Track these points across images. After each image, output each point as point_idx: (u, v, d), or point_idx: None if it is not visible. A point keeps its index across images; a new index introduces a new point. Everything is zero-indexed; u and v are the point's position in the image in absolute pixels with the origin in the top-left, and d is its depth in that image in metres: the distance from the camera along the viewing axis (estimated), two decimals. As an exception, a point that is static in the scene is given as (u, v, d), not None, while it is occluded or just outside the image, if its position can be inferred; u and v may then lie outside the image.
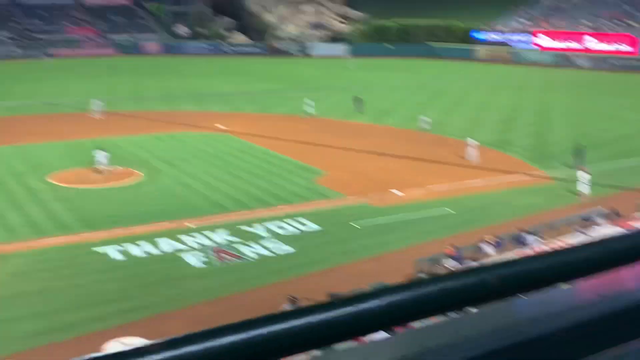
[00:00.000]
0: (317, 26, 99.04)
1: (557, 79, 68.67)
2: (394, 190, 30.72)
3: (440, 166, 34.49)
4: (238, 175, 33.75)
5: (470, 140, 37.20)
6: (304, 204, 29.25)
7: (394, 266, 21.25)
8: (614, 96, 58.18)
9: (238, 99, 56.15)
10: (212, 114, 51.02)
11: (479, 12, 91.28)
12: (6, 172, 34.19)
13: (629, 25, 78.76)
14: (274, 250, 23.88)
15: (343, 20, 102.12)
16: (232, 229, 25.96)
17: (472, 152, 36.85)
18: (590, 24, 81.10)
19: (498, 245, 21.68)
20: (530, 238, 21.93)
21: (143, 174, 33.85)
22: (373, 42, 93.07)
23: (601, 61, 75.01)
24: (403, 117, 48.95)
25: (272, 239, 24.83)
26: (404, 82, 65.95)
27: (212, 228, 25.95)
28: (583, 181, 29.81)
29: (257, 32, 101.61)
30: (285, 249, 24.05)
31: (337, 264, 22.59)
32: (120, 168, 34.08)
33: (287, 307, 15.63)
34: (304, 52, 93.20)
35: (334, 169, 34.50)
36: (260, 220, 26.77)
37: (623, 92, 60.33)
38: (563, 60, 77.85)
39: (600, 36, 78.06)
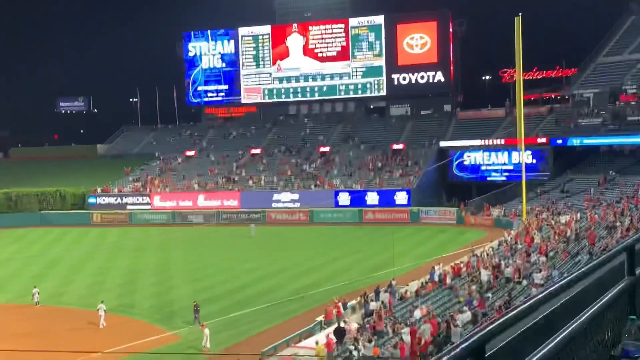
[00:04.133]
0: None
1: (173, 236, 71.18)
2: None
3: (59, 340, 32.43)
4: None
5: (101, 306, 36.17)
6: None
7: None
8: (227, 249, 62.19)
9: None
10: None
11: (93, 178, 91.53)
12: None
13: (233, 180, 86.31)
14: None
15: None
16: None
17: (103, 318, 35.79)
18: (198, 182, 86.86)
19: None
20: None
21: None
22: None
23: (212, 217, 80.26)
24: (16, 292, 45.43)
25: None
26: (14, 254, 61.86)
27: None
28: (205, 336, 30.94)
29: None
30: None
31: None
32: None
33: None
34: None
35: None
36: None
37: (233, 245, 64.86)
38: (177, 217, 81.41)
39: (210, 194, 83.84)
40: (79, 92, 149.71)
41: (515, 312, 3.35)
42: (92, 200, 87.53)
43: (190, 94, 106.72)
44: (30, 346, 25.96)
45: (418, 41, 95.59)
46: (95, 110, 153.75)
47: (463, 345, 2.90)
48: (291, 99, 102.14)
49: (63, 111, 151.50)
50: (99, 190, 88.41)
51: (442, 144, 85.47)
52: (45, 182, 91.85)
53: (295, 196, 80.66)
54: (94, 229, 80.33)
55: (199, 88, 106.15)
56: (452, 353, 2.85)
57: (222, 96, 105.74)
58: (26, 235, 75.71)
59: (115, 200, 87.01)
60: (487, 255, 40.74)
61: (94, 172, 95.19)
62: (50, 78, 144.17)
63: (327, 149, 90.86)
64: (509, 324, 3.24)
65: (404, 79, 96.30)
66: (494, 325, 3.13)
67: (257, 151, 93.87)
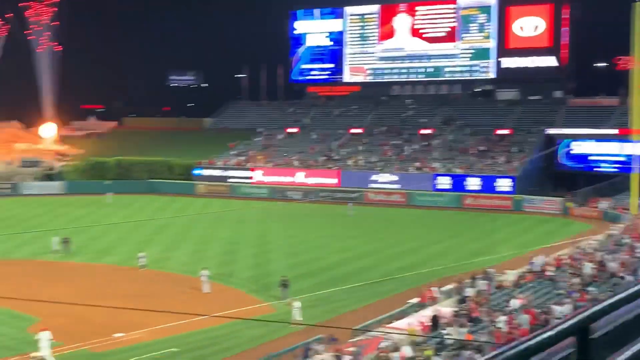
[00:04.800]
0: (29, 163, 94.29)
1: (272, 211, 72.60)
2: (117, 334, 29.43)
3: (163, 303, 33.82)
4: None
5: (203, 272, 37.63)
6: (14, 357, 26.68)
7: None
8: (323, 226, 62.84)
9: None
10: None
11: (199, 150, 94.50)
12: None
13: (333, 158, 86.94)
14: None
15: (58, 157, 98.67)
16: None
17: (207, 285, 37.31)
18: (299, 159, 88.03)
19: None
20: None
21: None
22: (90, 179, 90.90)
23: (310, 194, 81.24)
24: (123, 255, 47.72)
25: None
26: (124, 219, 64.84)
27: None
28: (296, 310, 31.48)
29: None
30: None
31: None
32: None
33: None
34: (15, 191, 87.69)
35: (49, 316, 32.13)
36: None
37: (330, 222, 65.44)
38: (277, 193, 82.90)
39: (309, 171, 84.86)
40: (190, 67, 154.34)
41: (622, 294, 3.27)
42: (197, 171, 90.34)
43: (294, 71, 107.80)
44: (136, 306, 27.25)
45: (530, 24, 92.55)
46: (204, 84, 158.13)
47: (569, 322, 2.86)
48: (395, 79, 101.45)
49: (174, 84, 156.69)
50: (204, 162, 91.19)
51: (550, 131, 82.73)
52: (154, 152, 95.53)
53: (394, 177, 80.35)
54: (198, 199, 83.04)
55: (303, 66, 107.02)
56: (558, 328, 2.83)
57: (326, 75, 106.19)
58: (135, 202, 79.21)
59: (219, 172, 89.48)
60: (592, 248, 39.33)
61: (200, 145, 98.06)
62: (163, 52, 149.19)
63: (428, 131, 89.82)
64: (616, 306, 3.17)
65: (514, 62, 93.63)
66: (600, 306, 3.08)
67: (358, 131, 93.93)
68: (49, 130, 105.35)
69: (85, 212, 71.23)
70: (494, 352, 2.83)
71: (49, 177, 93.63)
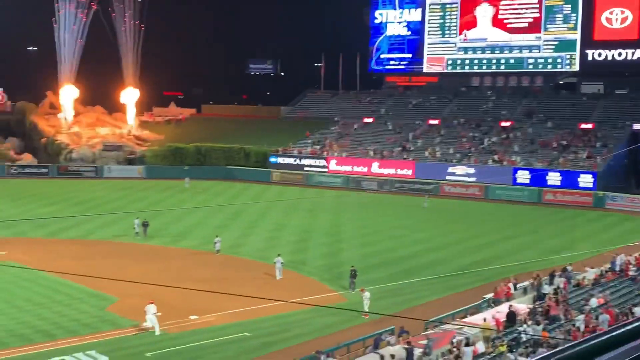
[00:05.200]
0: (111, 147, 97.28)
1: (346, 200, 72.57)
2: (192, 316, 29.97)
3: (237, 288, 34.20)
4: (19, 306, 31.19)
5: (278, 258, 37.98)
6: (94, 335, 27.56)
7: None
8: (397, 217, 62.35)
9: (22, 223, 52.64)
10: (-7, 239, 47.32)
11: (275, 138, 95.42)
12: None
13: (408, 149, 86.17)
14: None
15: (139, 142, 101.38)
16: (11, 367, 23.70)
17: (280, 271, 37.67)
18: (374, 149, 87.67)
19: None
20: None
21: None
22: (169, 164, 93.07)
23: (385, 184, 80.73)
24: (199, 240, 48.63)
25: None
26: (201, 204, 66.08)
27: (-13, 367, 23.53)
28: (366, 300, 31.28)
29: (48, 154, 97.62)
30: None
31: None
32: None
33: None
34: (97, 174, 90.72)
35: (127, 296, 33.06)
36: (44, 356, 24.70)
37: (405, 213, 64.86)
38: (351, 182, 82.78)
39: (384, 162, 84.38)
40: (269, 56, 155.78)
41: None
42: (273, 159, 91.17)
43: (373, 61, 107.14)
44: (212, 289, 27.70)
45: (618, 15, 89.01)
46: (282, 73, 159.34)
47: None
48: (475, 70, 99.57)
49: (252, 73, 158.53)
50: (280, 150, 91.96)
51: (636, 126, 79.52)
52: (231, 139, 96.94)
53: (471, 170, 78.93)
54: (273, 186, 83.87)
55: (382, 56, 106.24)
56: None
57: (404, 64, 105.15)
58: (212, 188, 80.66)
59: (294, 161, 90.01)
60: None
61: (276, 133, 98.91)
62: (243, 41, 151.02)
63: (508, 123, 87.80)
64: None
65: (599, 55, 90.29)
66: None
67: (436, 122, 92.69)
68: (130, 115, 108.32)
69: (163, 196, 72.98)
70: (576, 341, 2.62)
71: (129, 161, 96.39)
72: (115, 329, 28.53)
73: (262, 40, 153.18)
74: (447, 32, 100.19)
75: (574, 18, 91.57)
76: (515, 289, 31.97)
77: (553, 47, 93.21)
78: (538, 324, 25.02)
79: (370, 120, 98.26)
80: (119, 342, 27.00)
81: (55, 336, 27.21)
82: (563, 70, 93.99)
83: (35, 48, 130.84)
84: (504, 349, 22.53)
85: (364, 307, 31.07)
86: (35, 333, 27.54)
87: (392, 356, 21.58)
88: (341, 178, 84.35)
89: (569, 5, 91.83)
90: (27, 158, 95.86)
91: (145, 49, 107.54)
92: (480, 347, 22.92)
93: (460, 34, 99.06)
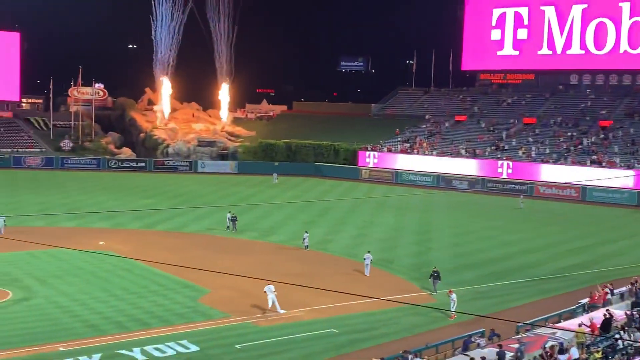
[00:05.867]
0: (205, 143, 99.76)
1: (436, 199, 71.66)
2: (280, 310, 30.30)
3: (325, 283, 34.36)
4: (117, 295, 32.40)
5: (368, 255, 37.91)
6: (186, 325, 28.29)
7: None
8: (489, 218, 61.03)
9: (121, 214, 54.75)
10: (93, 230, 49.41)
11: (365, 136, 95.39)
12: None
13: (502, 148, 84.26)
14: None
15: (231, 138, 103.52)
16: (108, 352, 24.61)
17: (369, 268, 37.60)
18: (466, 147, 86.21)
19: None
20: None
21: (11, 293, 31.86)
22: (260, 160, 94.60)
23: (477, 184, 79.19)
24: (288, 235, 49.14)
25: (150, 363, 23.66)
26: (290, 199, 66.80)
27: (87, 352, 24.51)
28: (453, 301, 30.71)
29: (146, 148, 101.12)
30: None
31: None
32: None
33: None
34: (192, 169, 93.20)
35: (218, 288, 33.80)
36: (138, 344, 25.56)
37: (497, 214, 63.44)
38: (442, 181, 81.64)
39: (477, 161, 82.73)
40: (360, 53, 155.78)
41: None
42: (362, 156, 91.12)
43: (467, 58, 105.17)
44: (301, 284, 27.91)
45: None
46: (373, 70, 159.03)
47: None
48: (574, 68, 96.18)
49: (343, 70, 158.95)
50: (369, 147, 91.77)
51: None
52: (321, 136, 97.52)
53: (568, 171, 76.35)
54: (362, 183, 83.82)
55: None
56: None
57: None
58: (301, 184, 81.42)
59: (384, 158, 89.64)
60: None
61: (365, 130, 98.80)
62: (334, 38, 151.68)
63: (608, 123, 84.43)
64: None
65: None
66: None
67: (531, 120, 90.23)
68: (224, 111, 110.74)
69: (254, 191, 74.23)
70: None
71: (222, 156, 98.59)
72: (207, 320, 29.16)
73: (353, 38, 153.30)
74: (545, 29, 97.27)
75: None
76: (612, 294, 30.68)
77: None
78: (636, 331, 23.92)
79: (462, 118, 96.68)
80: (210, 333, 27.58)
81: (150, 325, 28.08)
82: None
83: (134, 46, 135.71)
84: (599, 355, 21.67)
85: (451, 308, 30.59)
86: (131, 321, 28.52)
87: (483, 359, 21.10)
88: (431, 177, 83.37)
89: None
90: (126, 152, 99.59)
91: (239, 46, 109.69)
92: (574, 353, 22.11)
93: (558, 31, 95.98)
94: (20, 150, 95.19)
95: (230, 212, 50.90)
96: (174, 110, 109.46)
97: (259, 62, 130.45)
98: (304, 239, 44.75)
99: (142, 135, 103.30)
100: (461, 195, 74.10)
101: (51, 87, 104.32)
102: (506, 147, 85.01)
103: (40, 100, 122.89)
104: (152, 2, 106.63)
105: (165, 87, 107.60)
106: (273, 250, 44.64)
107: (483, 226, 56.21)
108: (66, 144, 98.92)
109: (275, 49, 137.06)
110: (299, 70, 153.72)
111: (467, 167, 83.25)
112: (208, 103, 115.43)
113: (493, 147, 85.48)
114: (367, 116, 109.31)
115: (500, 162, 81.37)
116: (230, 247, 44.60)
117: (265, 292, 30.03)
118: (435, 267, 35.53)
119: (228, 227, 50.31)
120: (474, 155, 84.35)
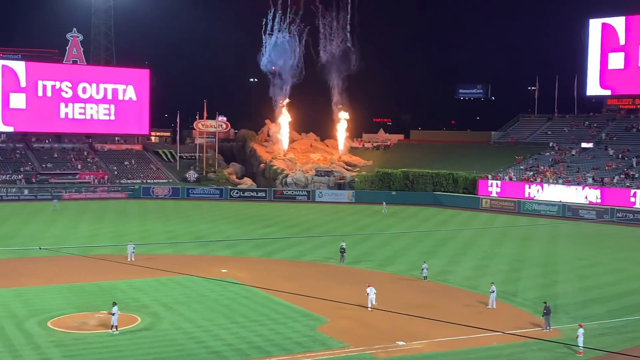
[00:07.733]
0: (323, 172, 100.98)
1: (562, 229, 68.84)
2: (399, 342, 29.88)
3: (445, 315, 33.54)
4: (238, 322, 33.05)
5: (493, 287, 36.90)
6: (304, 354, 28.40)
7: None
8: (619, 249, 57.91)
9: (242, 243, 56.13)
10: (216, 258, 50.88)
11: (485, 164, 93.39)
12: (5, 316, 33.58)
13: (632, 176, 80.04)
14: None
15: (348, 167, 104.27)
16: (230, 379, 25.05)
17: (493, 299, 36.56)
18: (593, 176, 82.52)
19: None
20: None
21: (140, 319, 33.19)
22: (377, 189, 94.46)
23: (605, 214, 75.49)
24: (406, 265, 48.58)
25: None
26: (408, 229, 66.14)
27: (209, 378, 25.05)
28: (580, 336, 29.12)
29: (265, 178, 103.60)
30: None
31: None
32: (120, 313, 33.42)
33: None
34: (310, 198, 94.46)
35: (336, 317, 33.80)
36: (259, 371, 25.88)
37: (627, 245, 60.11)
38: (568, 211, 78.43)
39: (605, 190, 79.01)
40: (478, 80, 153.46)
41: None
42: (484, 185, 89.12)
43: (594, 83, 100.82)
44: (421, 315, 27.41)
45: None
46: (493, 97, 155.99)
47: None
48: None
49: (462, 98, 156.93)
50: (490, 176, 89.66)
51: None
52: (439, 165, 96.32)
53: None
54: (482, 213, 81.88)
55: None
56: None
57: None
58: (419, 213, 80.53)
59: (505, 187, 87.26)
60: None
61: (485, 159, 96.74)
62: (451, 66, 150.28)
63: None
64: None
65: None
66: None
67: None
68: (341, 141, 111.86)
69: (371, 220, 74.09)
70: None
71: (339, 185, 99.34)
72: (325, 350, 29.15)
73: (471, 65, 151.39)
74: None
75: None
76: None
77: None
78: None
79: (588, 145, 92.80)
80: (329, 363, 27.53)
81: (270, 353, 28.39)
82: None
83: (255, 79, 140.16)
84: None
85: (578, 344, 29.06)
86: (252, 348, 28.95)
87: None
88: (556, 206, 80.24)
89: None
90: (247, 182, 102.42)
91: (356, 77, 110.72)
92: None
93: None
94: (149, 181, 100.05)
95: (344, 241, 50.87)
96: (292, 141, 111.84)
97: (376, 92, 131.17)
98: (422, 269, 44.08)
99: (262, 165, 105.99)
100: (588, 225, 70.81)
101: (178, 120, 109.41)
102: (637, 175, 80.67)
103: (168, 133, 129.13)
104: (266, 36, 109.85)
105: (284, 118, 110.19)
106: (391, 280, 44.21)
107: (612, 258, 53.36)
108: (191, 174, 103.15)
109: (394, 78, 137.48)
110: (416, 99, 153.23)
111: (594, 196, 79.54)
112: (325, 133, 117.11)
113: (622, 176, 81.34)
114: (487, 144, 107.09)
115: (632, 190, 77.15)
116: (347, 277, 44.55)
117: (367, 293, 34.79)
118: (545, 302, 33.87)
119: (340, 256, 49.67)
120: (601, 184, 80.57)
